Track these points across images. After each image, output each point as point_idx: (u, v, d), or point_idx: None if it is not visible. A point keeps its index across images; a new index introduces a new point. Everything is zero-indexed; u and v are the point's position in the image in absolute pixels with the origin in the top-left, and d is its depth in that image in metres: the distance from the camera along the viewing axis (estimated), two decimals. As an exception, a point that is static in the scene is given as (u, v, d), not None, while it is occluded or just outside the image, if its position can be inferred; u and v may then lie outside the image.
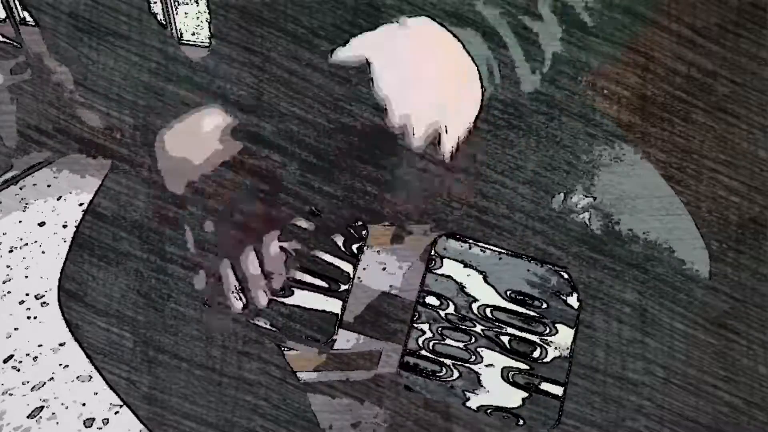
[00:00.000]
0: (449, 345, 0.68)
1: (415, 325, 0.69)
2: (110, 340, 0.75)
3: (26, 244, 1.12)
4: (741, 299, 0.77)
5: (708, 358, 0.75)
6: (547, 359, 0.68)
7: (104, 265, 0.75)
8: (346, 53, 0.71)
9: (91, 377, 0.99)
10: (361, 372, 0.84)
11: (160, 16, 0.76)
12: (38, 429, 0.96)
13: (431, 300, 0.69)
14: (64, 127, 0.79)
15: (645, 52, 0.77)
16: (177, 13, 0.74)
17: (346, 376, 0.85)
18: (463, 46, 0.70)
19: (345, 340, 0.75)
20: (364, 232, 0.71)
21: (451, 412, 0.76)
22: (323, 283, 0.70)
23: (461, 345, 0.68)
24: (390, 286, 0.75)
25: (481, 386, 0.67)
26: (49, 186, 1.15)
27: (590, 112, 0.77)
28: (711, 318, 0.76)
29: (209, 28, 0.75)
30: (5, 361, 1.01)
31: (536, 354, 0.68)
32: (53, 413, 0.97)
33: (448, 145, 0.69)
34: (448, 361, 0.68)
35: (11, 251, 1.11)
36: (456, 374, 0.67)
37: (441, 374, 0.67)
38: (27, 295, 1.07)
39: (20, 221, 1.13)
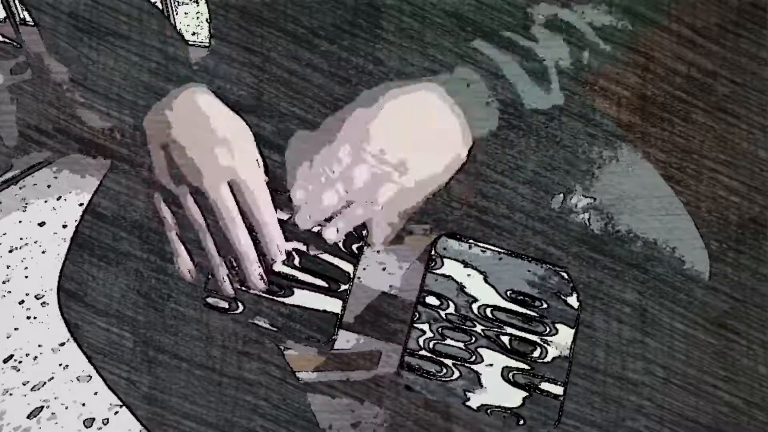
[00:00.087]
0: (449, 345, 0.68)
1: (416, 325, 0.69)
2: (110, 340, 0.75)
3: (26, 244, 1.12)
4: (741, 299, 0.77)
5: (708, 358, 0.75)
6: (547, 359, 0.68)
7: (104, 265, 0.75)
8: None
9: (90, 377, 0.99)
10: (361, 372, 0.84)
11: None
12: (38, 429, 0.96)
13: (431, 300, 0.69)
14: (64, 127, 0.79)
15: (645, 52, 0.77)
16: (177, 13, 0.74)
17: (346, 376, 0.85)
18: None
19: (345, 340, 0.75)
20: (364, 232, 0.71)
21: (451, 412, 0.76)
22: (323, 283, 0.70)
23: (461, 345, 0.68)
24: (390, 286, 0.75)
25: (482, 386, 0.67)
26: (49, 186, 1.15)
27: (590, 112, 0.77)
28: (711, 318, 0.76)
29: (209, 28, 0.75)
30: (5, 361, 1.01)
31: (536, 354, 0.68)
32: (53, 413, 0.97)
33: (377, 243, 0.69)
34: (448, 361, 0.68)
35: (11, 251, 1.11)
36: (456, 374, 0.67)
37: (441, 374, 0.67)
38: (27, 295, 1.07)
39: (20, 221, 1.13)
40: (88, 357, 0.75)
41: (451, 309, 0.69)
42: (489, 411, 0.67)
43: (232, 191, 0.68)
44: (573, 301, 0.69)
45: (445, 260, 0.70)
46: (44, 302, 1.06)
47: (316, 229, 0.68)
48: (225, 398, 0.74)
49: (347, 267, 0.70)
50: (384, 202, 0.67)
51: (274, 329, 0.69)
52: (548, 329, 0.69)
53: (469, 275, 0.70)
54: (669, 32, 0.77)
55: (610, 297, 0.73)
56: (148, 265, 0.75)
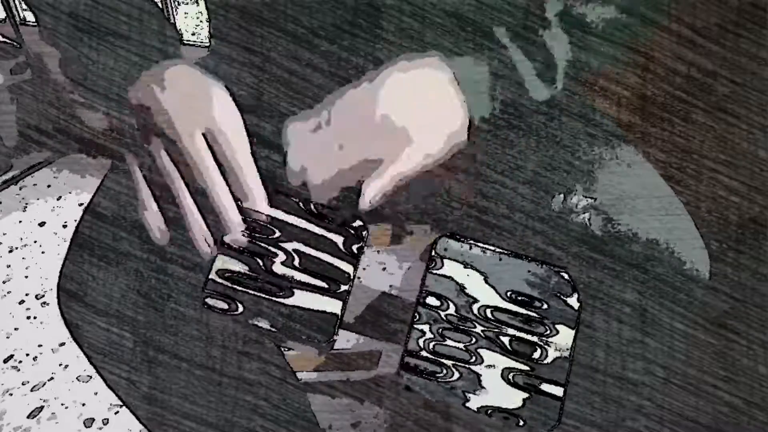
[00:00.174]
0: (449, 345, 0.68)
1: (416, 325, 0.69)
2: (110, 340, 0.75)
3: (26, 245, 1.12)
4: (741, 299, 0.77)
5: (708, 358, 0.76)
6: (548, 360, 0.68)
7: (104, 265, 0.75)
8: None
9: (90, 377, 0.99)
10: (361, 372, 0.84)
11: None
12: (38, 429, 0.96)
13: (431, 300, 0.69)
14: (64, 127, 0.79)
15: (645, 52, 0.77)
16: (177, 13, 0.74)
17: (346, 376, 0.85)
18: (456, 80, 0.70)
19: (345, 340, 0.75)
20: (364, 233, 0.71)
21: (451, 413, 0.76)
22: (323, 284, 0.70)
23: (461, 346, 0.68)
24: (390, 286, 0.75)
25: (482, 387, 0.67)
26: (49, 186, 1.15)
27: (590, 112, 0.77)
28: (711, 318, 0.76)
29: (209, 28, 0.75)
30: (5, 361, 1.01)
31: (537, 354, 0.68)
32: (53, 413, 0.97)
33: (366, 198, 0.68)
34: (448, 362, 0.68)
35: (11, 251, 1.11)
36: (456, 375, 0.68)
37: (441, 375, 0.67)
38: (27, 295, 1.07)
39: (20, 221, 1.13)
40: (88, 357, 0.75)
41: (452, 310, 0.69)
42: (489, 412, 0.67)
43: (208, 143, 0.68)
44: (573, 301, 0.69)
45: (445, 261, 0.70)
46: (44, 302, 1.06)
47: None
48: (225, 398, 0.74)
49: (347, 267, 0.70)
50: (386, 165, 0.67)
51: (274, 330, 0.69)
52: (548, 330, 0.69)
53: (469, 276, 0.70)
54: (669, 32, 0.77)
55: (610, 297, 0.73)
56: (148, 265, 0.75)
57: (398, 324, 0.73)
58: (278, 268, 0.70)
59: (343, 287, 0.70)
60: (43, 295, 1.07)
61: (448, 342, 0.68)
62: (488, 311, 0.69)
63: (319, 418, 0.77)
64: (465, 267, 0.70)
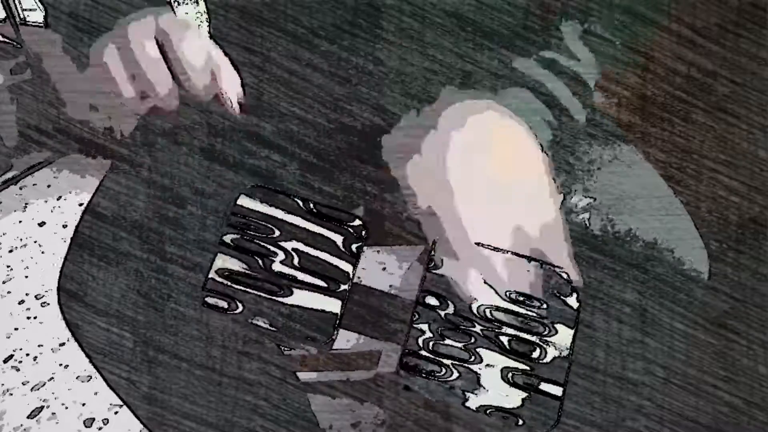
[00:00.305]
0: (449, 345, 0.68)
1: (415, 325, 0.69)
2: (110, 340, 0.75)
3: (26, 245, 1.11)
4: (741, 299, 0.77)
5: (708, 358, 0.75)
6: (547, 359, 0.68)
7: (104, 265, 0.75)
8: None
9: (90, 377, 0.99)
10: (361, 372, 0.84)
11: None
12: (38, 429, 0.96)
13: (431, 300, 0.69)
14: (64, 127, 0.79)
15: (645, 52, 0.77)
16: (177, 13, 0.74)
17: (346, 376, 0.85)
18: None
19: (345, 340, 0.75)
20: (364, 232, 0.71)
21: (451, 412, 0.76)
22: (323, 283, 0.70)
23: (461, 345, 0.68)
24: (390, 286, 0.75)
25: (481, 386, 0.67)
26: (49, 186, 1.15)
27: (590, 112, 0.77)
28: (711, 318, 0.76)
29: (209, 28, 0.75)
30: (5, 361, 1.01)
31: (536, 354, 0.68)
32: (53, 413, 0.97)
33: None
34: (447, 361, 0.68)
35: (11, 251, 1.11)
36: (456, 374, 0.67)
37: (441, 374, 0.67)
38: (27, 295, 1.07)
39: (20, 221, 1.13)
40: (88, 357, 0.75)
41: (451, 309, 0.69)
42: (488, 412, 0.67)
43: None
44: (572, 301, 0.69)
45: (444, 260, 0.70)
46: (44, 302, 1.06)
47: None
48: (225, 398, 0.74)
49: (346, 267, 0.70)
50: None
51: (274, 329, 0.69)
52: (548, 329, 0.69)
53: (468, 275, 0.70)
54: (669, 32, 0.77)
55: (610, 297, 0.73)
56: (148, 265, 0.75)
57: (398, 324, 0.73)
58: (278, 267, 0.70)
59: (343, 286, 0.70)
60: (43, 295, 1.07)
61: (448, 341, 0.68)
62: (487, 311, 0.69)
63: (319, 418, 0.77)
64: (465, 267, 0.70)
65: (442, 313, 0.69)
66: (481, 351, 0.68)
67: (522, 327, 0.69)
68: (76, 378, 0.99)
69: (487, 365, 0.68)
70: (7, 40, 0.80)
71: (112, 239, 0.76)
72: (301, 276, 0.70)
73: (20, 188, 1.15)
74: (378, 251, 0.75)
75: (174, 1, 0.73)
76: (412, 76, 0.76)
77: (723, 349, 0.76)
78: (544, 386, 0.68)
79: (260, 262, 0.70)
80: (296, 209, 0.71)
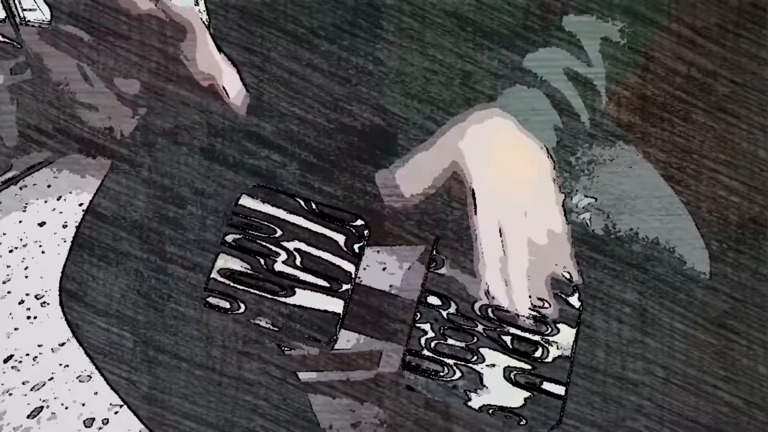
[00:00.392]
0: (451, 345, 0.68)
1: (417, 324, 0.69)
2: (110, 340, 0.75)
3: (26, 245, 1.11)
4: (741, 299, 0.77)
5: (708, 358, 0.76)
6: (549, 359, 0.68)
7: (104, 265, 0.75)
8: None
9: (90, 377, 0.99)
10: (362, 372, 0.84)
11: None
12: (38, 429, 0.96)
13: (433, 300, 0.69)
14: (64, 127, 0.79)
15: (645, 52, 0.77)
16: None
17: (347, 376, 0.85)
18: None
19: (345, 340, 0.75)
20: (366, 232, 0.71)
21: (452, 412, 0.76)
22: (325, 283, 0.70)
23: (463, 345, 0.68)
24: (390, 286, 0.75)
25: (483, 386, 0.67)
26: (49, 186, 1.15)
27: (590, 112, 0.77)
28: (711, 318, 0.76)
29: (209, 28, 0.75)
30: (5, 361, 1.01)
31: (538, 354, 0.68)
32: (53, 413, 0.97)
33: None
34: (450, 361, 0.68)
35: (11, 251, 1.11)
36: (458, 374, 0.67)
37: (443, 374, 0.67)
38: (27, 295, 1.07)
39: (20, 221, 1.13)
40: (89, 357, 0.75)
41: (453, 309, 0.69)
42: (490, 411, 0.67)
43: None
44: (574, 300, 0.69)
45: (445, 260, 0.71)
46: (44, 302, 1.06)
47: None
48: (225, 398, 0.74)
49: (348, 267, 0.70)
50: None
51: (275, 329, 0.69)
52: (550, 329, 0.69)
53: (469, 275, 0.70)
54: (669, 32, 0.78)
55: (610, 297, 0.73)
56: (148, 265, 0.75)
57: (399, 324, 0.73)
58: (280, 267, 0.70)
59: (345, 286, 0.70)
60: (43, 295, 1.07)
61: (450, 341, 0.68)
62: (489, 310, 0.69)
63: (319, 418, 0.77)
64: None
65: (444, 313, 0.69)
66: (484, 350, 0.68)
67: (524, 326, 0.69)
68: (76, 378, 0.99)
69: (490, 365, 0.68)
70: (7, 40, 0.80)
71: (112, 239, 0.76)
72: (303, 276, 0.70)
73: (20, 188, 1.15)
74: (378, 251, 0.75)
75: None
76: (412, 76, 0.76)
77: (723, 349, 0.76)
78: (547, 386, 0.68)
79: (262, 262, 0.70)
80: (298, 209, 0.71)
